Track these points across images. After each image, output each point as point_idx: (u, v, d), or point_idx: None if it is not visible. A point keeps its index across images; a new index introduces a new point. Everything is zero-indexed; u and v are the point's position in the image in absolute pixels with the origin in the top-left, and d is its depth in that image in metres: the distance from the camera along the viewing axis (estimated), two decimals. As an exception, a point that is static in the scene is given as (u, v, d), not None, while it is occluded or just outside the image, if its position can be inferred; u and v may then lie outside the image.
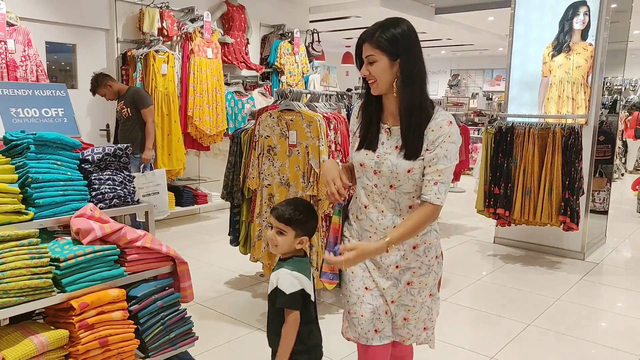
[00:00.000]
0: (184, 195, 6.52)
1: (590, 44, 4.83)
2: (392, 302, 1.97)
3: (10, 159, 2.05)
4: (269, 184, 3.66)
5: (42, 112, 2.42)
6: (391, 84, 1.81)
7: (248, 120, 4.52)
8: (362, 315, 1.93)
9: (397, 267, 1.93)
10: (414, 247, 1.92)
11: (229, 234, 4.40)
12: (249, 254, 4.26)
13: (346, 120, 3.75)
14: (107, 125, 6.05)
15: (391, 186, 1.86)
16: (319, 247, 3.54)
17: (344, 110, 3.93)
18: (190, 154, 6.63)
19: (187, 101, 6.10)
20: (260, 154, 3.66)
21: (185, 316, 2.28)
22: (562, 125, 4.64)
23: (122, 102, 5.22)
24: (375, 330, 1.94)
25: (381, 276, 1.95)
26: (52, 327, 1.94)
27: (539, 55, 5.07)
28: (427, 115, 1.81)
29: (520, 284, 4.44)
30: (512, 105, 5.29)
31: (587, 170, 4.88)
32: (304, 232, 1.95)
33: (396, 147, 1.84)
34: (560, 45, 4.95)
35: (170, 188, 6.26)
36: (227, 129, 6.60)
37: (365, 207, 1.92)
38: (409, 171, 1.81)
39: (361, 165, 1.91)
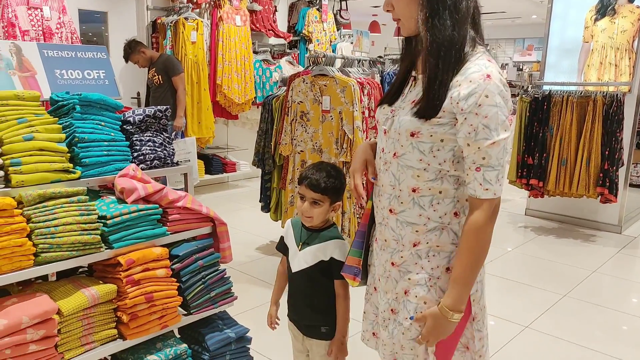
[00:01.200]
0: (213, 163, 6.59)
1: (638, 7, 4.62)
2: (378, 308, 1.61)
3: (57, 119, 2.08)
4: (301, 151, 3.66)
5: (84, 74, 2.45)
6: (416, 20, 1.40)
7: (279, 86, 4.50)
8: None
9: (392, 264, 1.51)
10: (414, 245, 1.46)
11: (260, 201, 4.44)
12: (279, 221, 4.31)
13: (380, 86, 3.70)
14: (138, 93, 6.11)
15: (394, 154, 1.44)
16: (351, 214, 3.55)
17: (378, 76, 3.88)
18: (218, 123, 6.67)
19: (215, 69, 6.10)
20: (293, 120, 3.65)
21: (225, 276, 2.32)
22: (603, 93, 4.50)
23: (154, 69, 5.25)
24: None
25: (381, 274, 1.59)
26: (101, 282, 2.00)
27: (580, 19, 4.89)
28: (459, 58, 1.34)
29: (553, 256, 4.39)
30: (549, 72, 5.15)
31: (628, 141, 4.74)
32: (339, 197, 1.91)
33: (413, 101, 1.41)
34: (605, 8, 4.76)
35: (200, 156, 6.34)
36: (255, 97, 6.60)
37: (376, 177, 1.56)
38: (412, 134, 1.37)
39: (377, 122, 1.59)
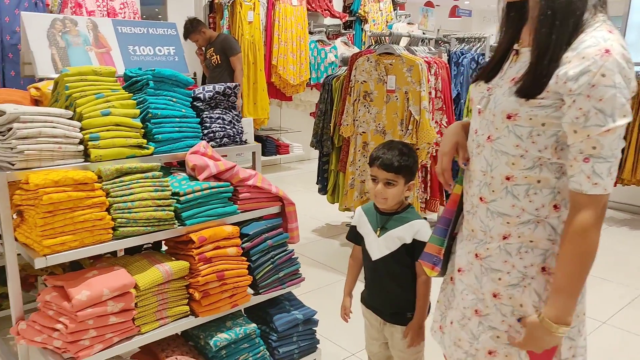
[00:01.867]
0: (267, 145, 6.60)
1: None
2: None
3: (131, 94, 2.09)
4: (363, 132, 3.58)
5: (155, 50, 2.44)
6: None
7: (339, 66, 4.41)
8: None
9: (476, 255, 1.35)
10: (504, 238, 1.29)
11: (317, 183, 4.40)
12: (336, 203, 4.26)
13: (447, 65, 3.55)
14: (195, 74, 6.16)
15: (488, 137, 1.28)
16: (415, 199, 3.45)
17: (445, 55, 3.72)
18: (272, 104, 6.65)
19: (271, 50, 6.06)
20: (355, 100, 3.56)
21: (293, 257, 2.29)
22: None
23: (212, 48, 5.26)
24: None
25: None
26: (173, 259, 2.00)
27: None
28: (576, 28, 1.14)
29: (628, 248, 4.15)
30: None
31: None
32: (412, 176, 1.82)
33: (513, 78, 1.24)
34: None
35: (254, 137, 6.35)
36: (309, 79, 6.54)
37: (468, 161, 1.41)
38: (509, 117, 1.21)
39: (471, 101, 1.43)
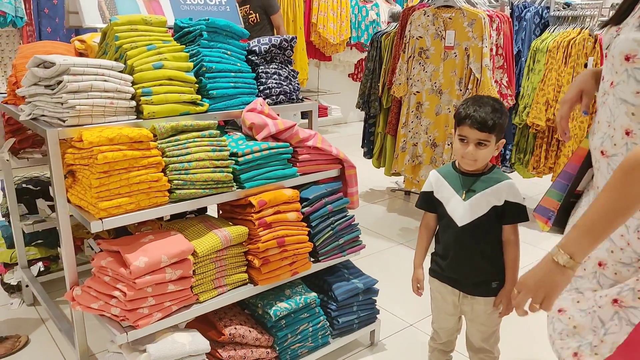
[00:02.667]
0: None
1: None
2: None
3: (184, 46, 1.93)
4: (417, 91, 3.36)
5: (206, 0, 2.27)
6: None
7: (388, 22, 4.15)
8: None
9: (599, 264, 1.18)
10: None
11: (362, 146, 4.22)
12: (382, 168, 4.09)
13: (510, 20, 3.27)
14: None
15: (611, 83, 1.16)
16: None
17: (508, 8, 3.43)
18: (310, 65, 6.43)
19: (311, 7, 5.80)
20: (410, 57, 3.33)
21: (353, 223, 2.14)
22: None
23: (247, 6, 5.03)
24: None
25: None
26: (230, 223, 1.88)
27: None
28: None
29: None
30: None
31: None
32: (502, 134, 1.64)
33: None
34: None
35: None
36: (349, 38, 6.27)
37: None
38: (627, 58, 1.08)
39: (601, 46, 1.41)
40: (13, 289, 2.51)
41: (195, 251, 1.69)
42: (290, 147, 1.96)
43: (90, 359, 1.93)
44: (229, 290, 1.82)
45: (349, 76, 7.07)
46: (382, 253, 3.23)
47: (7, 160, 2.26)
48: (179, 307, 1.68)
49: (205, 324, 1.86)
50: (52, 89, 1.63)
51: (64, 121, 1.61)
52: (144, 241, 1.66)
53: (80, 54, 2.16)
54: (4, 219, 2.48)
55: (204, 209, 2.16)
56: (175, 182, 1.68)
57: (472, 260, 1.64)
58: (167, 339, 1.63)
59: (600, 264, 1.17)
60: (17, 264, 2.49)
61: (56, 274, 2.59)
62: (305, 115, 6.28)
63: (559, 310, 1.23)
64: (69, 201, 1.66)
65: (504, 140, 1.64)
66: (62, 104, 1.60)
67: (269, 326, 1.89)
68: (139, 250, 1.61)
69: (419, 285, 1.79)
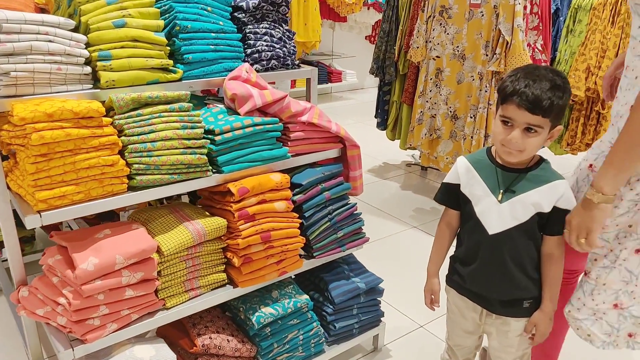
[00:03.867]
0: (318, 71, 6.03)
1: None
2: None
3: (153, 0, 1.60)
4: (437, 56, 2.98)
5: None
6: None
7: (407, -22, 3.72)
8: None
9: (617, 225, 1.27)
10: None
11: (375, 116, 3.88)
12: (397, 140, 3.75)
13: (547, -27, 2.84)
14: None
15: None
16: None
17: (545, -40, 2.99)
18: (324, 26, 6.01)
19: (324, -38, 5.34)
20: (430, 16, 2.94)
21: (355, 212, 1.84)
22: None
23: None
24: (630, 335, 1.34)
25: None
26: (207, 214, 1.59)
27: None
28: None
29: None
30: None
31: None
32: (560, 119, 1.28)
33: None
34: None
35: (304, 63, 5.79)
36: (367, -4, 5.82)
37: None
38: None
39: None
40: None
41: (160, 248, 1.42)
42: (280, 124, 1.65)
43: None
44: (203, 294, 1.54)
45: (365, 38, 6.63)
46: (392, 237, 2.93)
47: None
48: (141, 315, 1.42)
49: (178, 330, 1.61)
50: (-14, 51, 1.34)
51: (-1, 90, 1.32)
52: (97, 237, 1.38)
53: (42, 10, 1.85)
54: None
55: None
56: (136, 166, 1.39)
57: (502, 275, 1.32)
58: (124, 354, 1.38)
59: None
60: (-15, 246, 2.26)
61: (32, 257, 2.37)
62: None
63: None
64: (8, 188, 1.39)
65: (560, 127, 1.28)
66: (-4, 69, 1.31)
67: (251, 334, 1.63)
68: (89, 248, 1.34)
69: (433, 297, 1.49)
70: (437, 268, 1.48)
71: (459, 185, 1.39)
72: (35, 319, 1.37)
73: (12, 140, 1.32)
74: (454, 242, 1.50)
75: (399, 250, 2.79)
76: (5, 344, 1.98)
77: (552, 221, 1.27)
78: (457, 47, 2.87)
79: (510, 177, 1.30)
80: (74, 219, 2.10)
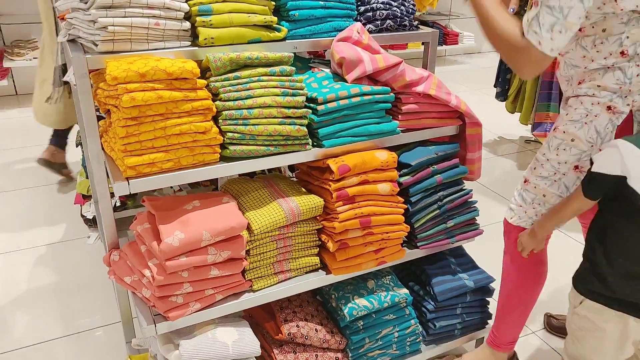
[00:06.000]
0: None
1: None
2: None
3: (258, -53, 1.43)
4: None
5: None
6: None
7: None
8: None
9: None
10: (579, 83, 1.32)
11: (495, 85, 3.50)
12: (517, 113, 3.36)
13: None
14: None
15: None
16: None
17: None
18: (443, -18, 5.55)
19: None
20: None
21: (470, 199, 1.60)
22: None
23: None
24: None
25: None
26: (303, 190, 1.45)
27: None
28: None
29: None
30: None
31: None
32: None
33: None
34: None
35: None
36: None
37: None
38: None
39: None
40: (90, 223, 2.38)
41: (250, 226, 1.30)
42: (392, 94, 1.44)
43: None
44: (293, 277, 1.42)
45: (488, -3, 6.03)
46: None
47: (74, 85, 2.01)
48: (225, 296, 1.32)
49: (264, 310, 1.51)
50: (85, 2, 1.26)
51: (96, 45, 1.24)
52: (186, 208, 1.29)
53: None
54: (78, 147, 2.31)
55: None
56: (230, 134, 1.26)
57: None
58: (206, 335, 1.29)
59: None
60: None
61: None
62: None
63: (525, 181, 1.44)
64: (103, 149, 1.33)
65: None
66: (94, 22, 1.23)
67: (342, 326, 1.48)
68: (176, 220, 1.25)
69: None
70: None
71: (624, 177, 1.10)
72: (123, 285, 1.33)
73: (107, 100, 1.25)
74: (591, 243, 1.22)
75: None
76: (100, 296, 2.04)
77: None
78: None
79: None
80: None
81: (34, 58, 3.90)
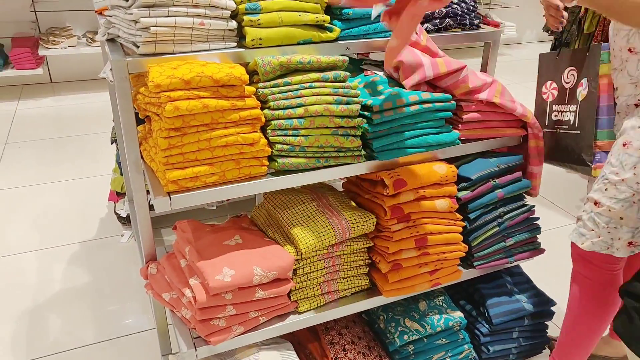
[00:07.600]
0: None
1: None
2: None
3: (311, -61, 1.32)
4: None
5: None
6: None
7: None
8: None
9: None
10: None
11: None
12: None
13: None
14: None
15: None
16: None
17: None
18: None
19: None
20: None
21: (532, 216, 1.47)
22: None
23: None
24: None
25: None
26: (353, 204, 1.34)
27: None
28: None
29: None
30: None
31: None
32: None
33: None
34: None
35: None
36: None
37: None
38: None
39: None
40: (124, 221, 2.32)
41: (298, 245, 1.20)
42: (453, 102, 1.31)
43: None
44: (341, 298, 1.32)
45: (533, -15, 5.77)
46: (555, 232, 2.46)
47: (111, 81, 1.93)
48: (269, 318, 1.23)
49: (308, 329, 1.42)
50: (126, 0, 1.17)
51: (137, 47, 1.15)
52: (228, 243, 1.20)
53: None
54: (113, 144, 2.24)
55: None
56: (279, 146, 1.16)
57: None
58: (249, 359, 1.21)
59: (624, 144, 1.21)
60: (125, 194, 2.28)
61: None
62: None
63: (595, 203, 1.27)
64: (142, 157, 1.25)
65: None
66: (135, 22, 1.14)
67: (391, 350, 1.38)
68: (220, 257, 1.16)
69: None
70: None
71: None
72: (161, 302, 1.25)
73: (147, 106, 1.16)
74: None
75: (562, 250, 2.33)
76: (133, 298, 1.98)
77: None
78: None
79: None
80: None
81: (69, 46, 3.86)
